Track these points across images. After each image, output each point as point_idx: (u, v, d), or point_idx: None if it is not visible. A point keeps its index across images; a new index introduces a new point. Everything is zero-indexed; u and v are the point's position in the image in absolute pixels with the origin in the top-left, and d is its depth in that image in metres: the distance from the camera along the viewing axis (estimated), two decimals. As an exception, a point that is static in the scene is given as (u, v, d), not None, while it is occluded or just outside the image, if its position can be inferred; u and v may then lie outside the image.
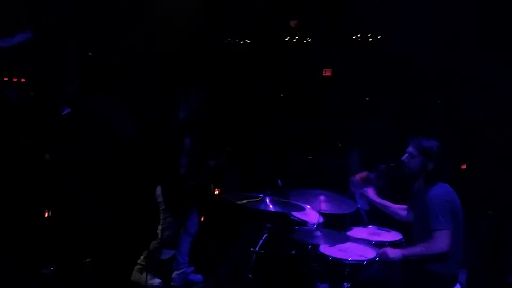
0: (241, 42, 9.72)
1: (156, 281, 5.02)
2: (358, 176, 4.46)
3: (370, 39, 9.00)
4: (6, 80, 8.25)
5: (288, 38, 9.61)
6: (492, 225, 5.72)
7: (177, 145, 4.87)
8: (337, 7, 8.66)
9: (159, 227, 4.96)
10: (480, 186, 5.92)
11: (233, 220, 5.91)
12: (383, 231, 4.48)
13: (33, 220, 5.65)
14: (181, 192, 4.91)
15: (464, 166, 6.78)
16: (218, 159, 5.10)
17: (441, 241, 3.60)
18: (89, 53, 9.02)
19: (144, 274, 4.89)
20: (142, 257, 5.04)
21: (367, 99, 8.65)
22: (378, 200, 4.33)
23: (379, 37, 8.74)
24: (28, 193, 5.71)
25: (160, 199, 4.95)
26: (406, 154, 3.92)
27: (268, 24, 9.21)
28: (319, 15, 8.99)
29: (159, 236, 4.92)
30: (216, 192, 6.62)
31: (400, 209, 4.27)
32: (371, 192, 4.36)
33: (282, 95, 9.85)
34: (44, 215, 5.84)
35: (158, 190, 4.96)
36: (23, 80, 7.96)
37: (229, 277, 5.10)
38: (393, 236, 4.37)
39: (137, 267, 5.04)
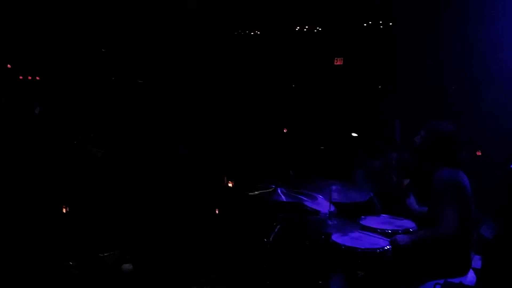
0: (251, 33, 9.72)
1: None
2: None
3: (381, 26, 8.93)
4: (21, 79, 8.43)
5: (298, 27, 9.59)
6: (508, 211, 5.66)
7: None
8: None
9: None
10: (496, 172, 5.87)
11: (246, 212, 5.95)
12: (396, 220, 4.47)
13: (62, 214, 5.77)
14: None
15: (479, 153, 6.71)
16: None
17: (446, 223, 3.57)
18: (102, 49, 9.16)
19: None
20: None
21: (380, 87, 8.60)
22: (419, 208, 4.31)
23: (390, 24, 8.66)
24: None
25: None
26: (418, 136, 3.91)
27: (277, 14, 9.18)
28: (330, 3, 8.93)
29: None
30: (230, 185, 6.67)
31: None
32: (413, 202, 4.35)
33: (293, 85, 9.84)
34: (66, 210, 5.96)
35: None
36: (37, 78, 8.13)
37: (243, 268, 5.15)
38: (406, 224, 4.35)
39: None
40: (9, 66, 8.11)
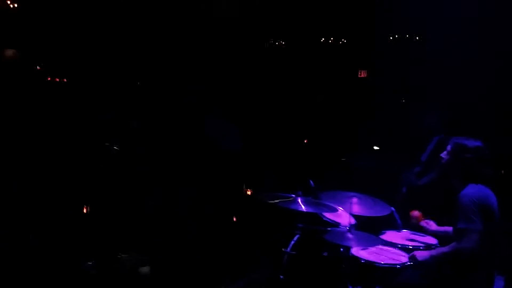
0: (276, 43, 9.76)
1: None
2: (414, 216, 4.40)
3: (407, 38, 8.86)
4: (49, 80, 8.61)
5: (323, 39, 9.58)
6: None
7: None
8: (373, 7, 8.57)
9: None
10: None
11: (265, 221, 5.93)
12: (417, 236, 4.39)
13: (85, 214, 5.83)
14: None
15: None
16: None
17: (468, 240, 3.48)
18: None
19: None
20: None
21: (403, 100, 8.51)
22: (441, 228, 4.23)
23: (416, 37, 8.59)
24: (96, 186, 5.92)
25: None
26: (445, 151, 3.86)
27: (302, 25, 9.21)
28: (354, 15, 8.92)
29: None
30: (248, 193, 6.67)
31: None
32: (432, 225, 4.28)
33: (316, 96, 9.81)
34: (87, 209, 6.03)
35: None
36: (64, 80, 8.29)
37: (261, 278, 5.12)
38: (428, 241, 4.27)
39: None
40: (38, 68, 8.30)
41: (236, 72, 8.76)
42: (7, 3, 8.57)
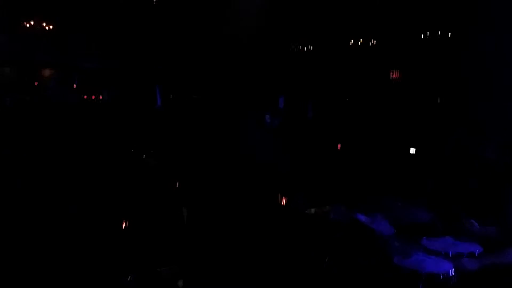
0: (305, 48, 9.68)
1: None
2: None
3: (439, 37, 8.63)
4: (86, 98, 8.91)
5: (352, 41, 9.45)
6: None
7: None
8: (401, 5, 8.41)
9: None
10: None
11: (302, 230, 5.87)
12: (460, 242, 4.26)
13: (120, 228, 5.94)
14: None
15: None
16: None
17: None
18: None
19: None
20: None
21: (439, 101, 8.30)
22: (484, 229, 4.12)
23: (449, 34, 8.35)
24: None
25: None
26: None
27: (331, 29, 9.12)
28: (383, 15, 8.77)
29: None
30: (283, 202, 6.61)
31: None
32: (475, 225, 4.17)
33: (347, 99, 9.69)
34: (125, 224, 6.13)
35: None
36: (100, 97, 8.57)
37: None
38: (472, 247, 4.14)
39: None
40: (74, 86, 8.58)
41: (268, 81, 8.78)
42: (42, 25, 8.89)
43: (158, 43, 9.64)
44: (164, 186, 6.73)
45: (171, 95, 9.52)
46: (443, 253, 4.09)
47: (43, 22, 9.26)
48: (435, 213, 4.47)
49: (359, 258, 4.30)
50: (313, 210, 4.14)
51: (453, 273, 3.75)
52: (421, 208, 4.33)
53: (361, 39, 9.43)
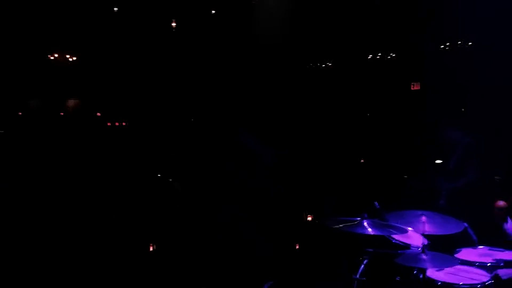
0: (323, 65, 9.73)
1: None
2: (499, 206, 4.19)
3: (459, 47, 8.58)
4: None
5: (371, 55, 9.47)
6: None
7: None
8: (419, 16, 8.41)
9: None
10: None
11: (330, 246, 5.79)
12: (495, 251, 4.12)
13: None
14: None
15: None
16: None
17: None
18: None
19: None
20: None
21: (463, 110, 8.19)
22: None
23: (469, 43, 8.29)
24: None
25: None
26: None
27: (348, 45, 9.15)
28: (402, 28, 8.77)
29: None
30: (309, 218, 6.56)
31: None
32: (511, 227, 4.06)
33: (368, 114, 9.65)
34: (153, 247, 6.15)
35: None
36: (124, 124, 8.74)
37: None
38: (508, 256, 4.00)
39: None
40: (98, 114, 8.77)
41: (290, 97, 8.81)
42: (66, 57, 9.17)
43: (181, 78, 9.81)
44: (189, 207, 6.73)
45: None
46: (478, 263, 3.96)
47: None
48: (467, 222, 4.34)
49: (391, 274, 4.19)
50: (340, 225, 4.05)
51: (490, 284, 3.62)
52: (452, 220, 4.21)
53: (379, 53, 9.47)
